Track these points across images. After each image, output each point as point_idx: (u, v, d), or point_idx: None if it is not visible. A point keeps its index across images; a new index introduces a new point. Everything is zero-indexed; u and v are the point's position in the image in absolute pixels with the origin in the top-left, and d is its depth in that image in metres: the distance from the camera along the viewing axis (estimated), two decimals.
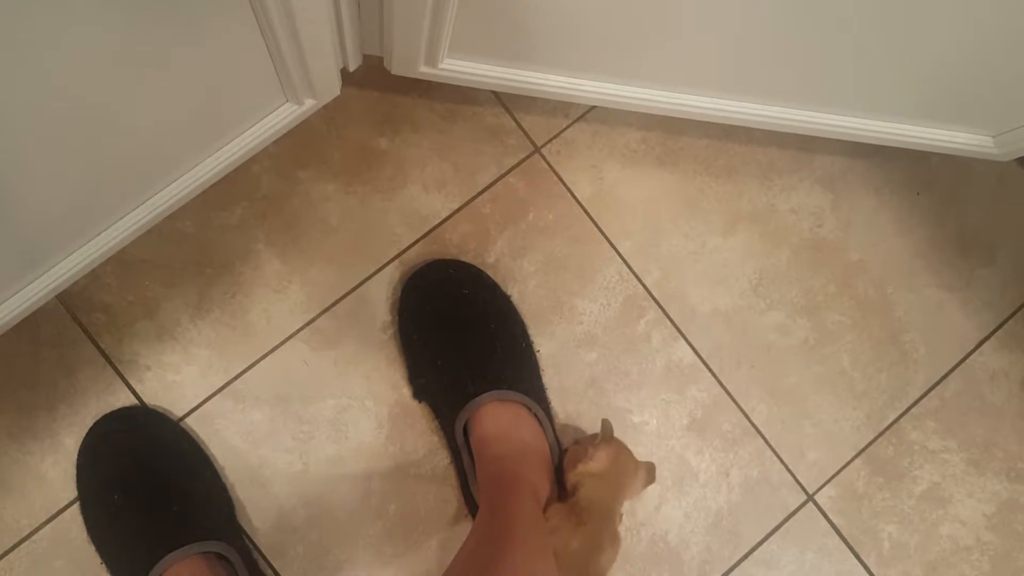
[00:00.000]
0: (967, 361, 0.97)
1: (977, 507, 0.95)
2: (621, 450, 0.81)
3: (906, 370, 0.96)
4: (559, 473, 0.82)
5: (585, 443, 0.81)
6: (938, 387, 0.96)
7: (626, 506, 0.88)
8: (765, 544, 0.92)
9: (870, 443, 0.94)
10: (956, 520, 0.94)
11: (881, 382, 0.95)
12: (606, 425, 0.82)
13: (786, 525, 0.92)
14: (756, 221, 0.95)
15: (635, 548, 0.90)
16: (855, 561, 0.93)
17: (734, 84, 0.78)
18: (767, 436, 0.93)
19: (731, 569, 0.91)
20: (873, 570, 0.93)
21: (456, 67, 0.76)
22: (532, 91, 0.79)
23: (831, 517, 0.93)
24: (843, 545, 0.93)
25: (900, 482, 0.94)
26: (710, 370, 0.93)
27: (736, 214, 0.95)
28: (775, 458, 0.93)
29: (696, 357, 0.93)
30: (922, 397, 0.96)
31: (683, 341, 0.93)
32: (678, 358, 0.93)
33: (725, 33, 0.68)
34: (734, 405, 0.93)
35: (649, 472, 0.83)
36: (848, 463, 0.94)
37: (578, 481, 0.78)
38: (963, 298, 0.97)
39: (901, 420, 0.95)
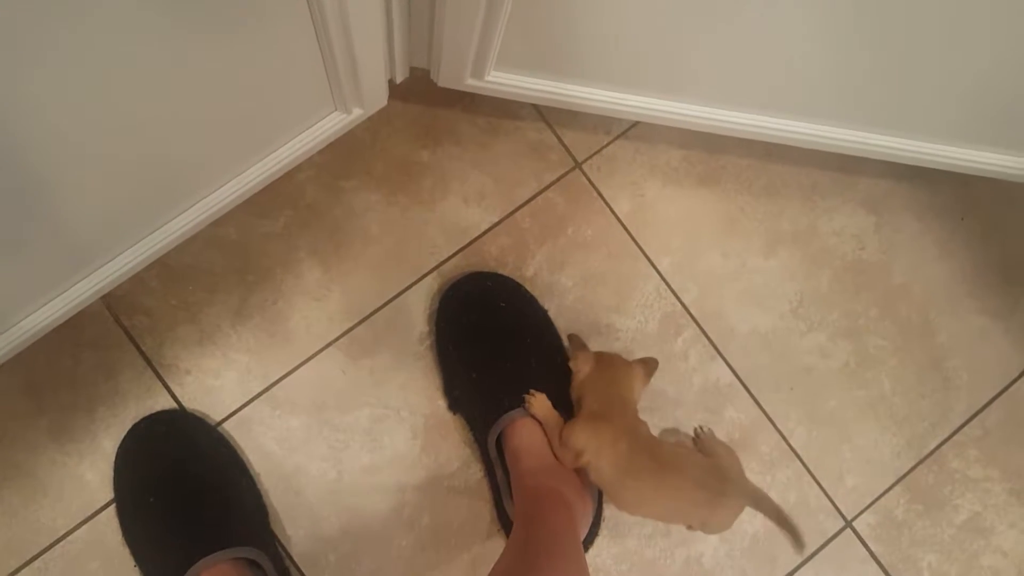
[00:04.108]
0: (1010, 389, 0.95)
1: (1019, 538, 0.93)
2: (603, 353, 0.81)
3: (948, 397, 0.94)
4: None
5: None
6: (980, 415, 0.94)
7: (660, 527, 0.87)
8: (801, 570, 0.90)
9: (910, 470, 0.93)
10: (997, 551, 0.92)
11: (923, 408, 0.94)
12: (573, 339, 0.84)
13: (823, 551, 0.91)
14: (797, 242, 0.94)
15: (669, 569, 0.89)
16: None
17: (780, 102, 0.78)
18: (805, 460, 0.91)
19: None
20: None
21: (502, 80, 0.76)
22: (576, 105, 0.79)
23: (869, 544, 0.91)
24: (881, 573, 0.91)
25: (940, 510, 0.92)
26: (748, 391, 0.92)
27: (777, 235, 0.94)
28: (813, 482, 0.91)
29: (734, 377, 0.92)
30: (964, 425, 0.94)
31: (721, 361, 0.92)
32: (715, 378, 0.92)
33: (773, 52, 0.68)
34: (772, 427, 0.91)
35: (647, 364, 0.81)
36: (888, 490, 0.92)
37: (579, 394, 0.79)
38: (1007, 325, 0.96)
39: (942, 447, 0.93)
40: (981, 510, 0.93)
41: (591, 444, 0.74)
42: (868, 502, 0.92)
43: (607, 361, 0.80)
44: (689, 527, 0.87)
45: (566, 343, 0.88)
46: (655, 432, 0.89)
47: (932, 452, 0.93)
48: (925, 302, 0.95)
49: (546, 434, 0.79)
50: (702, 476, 0.76)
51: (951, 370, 0.94)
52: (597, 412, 0.76)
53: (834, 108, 0.78)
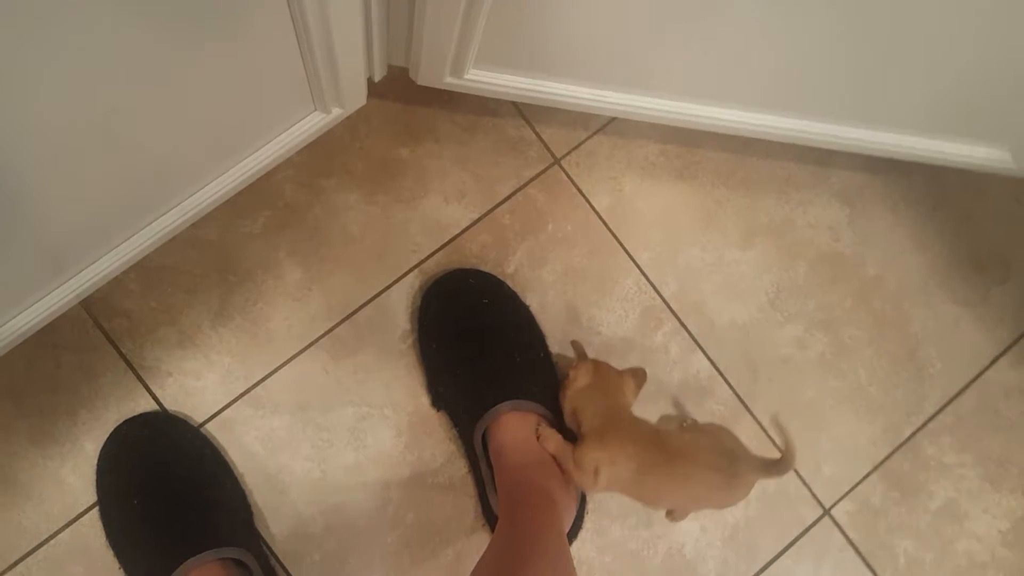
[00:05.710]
0: (982, 377, 0.97)
1: (992, 523, 0.95)
2: (598, 362, 0.82)
3: (922, 385, 0.96)
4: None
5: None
6: (954, 403, 0.96)
7: (643, 518, 0.88)
8: (781, 558, 0.92)
9: (886, 458, 0.94)
10: (972, 536, 0.94)
11: (897, 397, 0.95)
12: (577, 346, 0.84)
13: (802, 539, 0.92)
14: (773, 234, 0.96)
15: (651, 560, 0.90)
16: None
17: (756, 97, 0.78)
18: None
19: None
20: None
21: (481, 78, 0.77)
22: (555, 102, 0.79)
23: (847, 532, 0.93)
24: (859, 560, 0.93)
25: (916, 497, 0.94)
26: (727, 383, 0.93)
27: (754, 227, 0.95)
28: (792, 472, 0.93)
29: (713, 369, 0.93)
30: (938, 412, 0.96)
31: (700, 353, 0.93)
32: (695, 370, 0.93)
33: (749, 48, 0.69)
34: (751, 418, 0.93)
35: (636, 376, 0.83)
36: (864, 478, 0.94)
37: (575, 405, 0.79)
38: (978, 314, 0.98)
39: (917, 435, 0.95)
40: (956, 496, 0.95)
41: (603, 456, 0.75)
42: (845, 490, 0.93)
43: (602, 372, 0.80)
44: (670, 518, 0.88)
45: (554, 348, 0.89)
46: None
47: (907, 440, 0.95)
48: (899, 292, 0.97)
49: (560, 466, 0.79)
50: (713, 459, 0.77)
51: (925, 359, 0.96)
52: (598, 426, 0.77)
53: (811, 103, 0.79)
